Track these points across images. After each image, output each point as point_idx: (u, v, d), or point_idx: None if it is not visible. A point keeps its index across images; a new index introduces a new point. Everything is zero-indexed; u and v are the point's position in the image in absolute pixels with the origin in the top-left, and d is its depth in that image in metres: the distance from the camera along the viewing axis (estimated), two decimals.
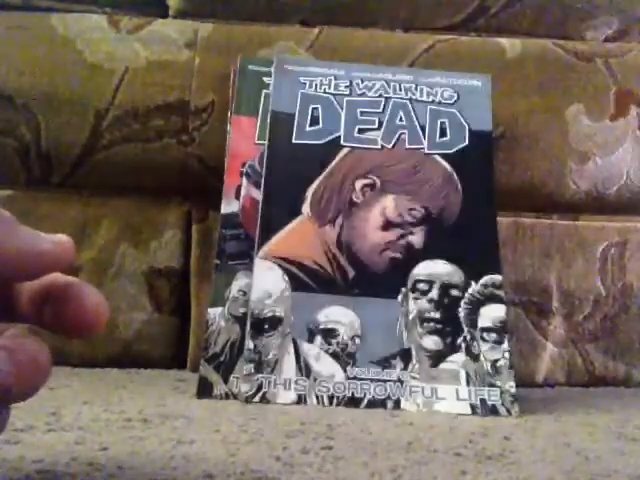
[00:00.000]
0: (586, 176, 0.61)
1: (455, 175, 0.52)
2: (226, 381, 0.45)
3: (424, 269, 0.49)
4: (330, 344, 0.46)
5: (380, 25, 0.67)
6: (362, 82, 0.55)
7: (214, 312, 0.48)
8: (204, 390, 0.45)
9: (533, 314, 0.59)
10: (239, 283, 0.49)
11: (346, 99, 0.54)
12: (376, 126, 0.54)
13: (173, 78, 0.60)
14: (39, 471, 0.26)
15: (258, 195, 0.50)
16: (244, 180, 0.52)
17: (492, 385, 0.45)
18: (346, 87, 0.55)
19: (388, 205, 0.51)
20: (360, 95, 0.55)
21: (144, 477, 0.26)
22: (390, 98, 0.55)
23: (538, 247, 0.60)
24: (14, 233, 0.21)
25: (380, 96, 0.55)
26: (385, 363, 0.45)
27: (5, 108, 0.58)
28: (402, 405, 0.44)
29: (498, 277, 0.49)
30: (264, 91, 0.55)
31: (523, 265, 0.59)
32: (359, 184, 0.51)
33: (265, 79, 0.56)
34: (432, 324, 0.47)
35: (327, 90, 0.54)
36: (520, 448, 0.34)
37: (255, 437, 0.33)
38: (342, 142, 0.53)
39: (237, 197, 0.52)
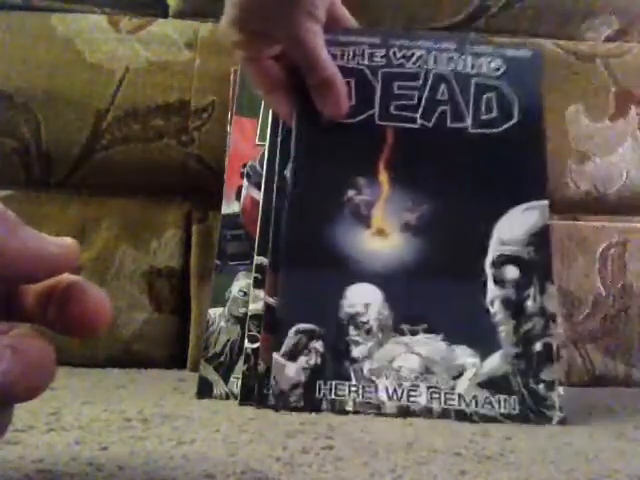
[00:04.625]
0: (586, 176, 0.61)
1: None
2: (226, 381, 0.45)
3: None
4: None
5: (380, 25, 0.67)
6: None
7: (214, 312, 0.48)
8: (204, 390, 0.45)
9: None
10: (240, 283, 0.49)
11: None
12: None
13: (173, 78, 0.60)
14: (39, 471, 0.26)
15: (258, 195, 0.50)
16: (245, 181, 0.52)
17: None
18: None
19: None
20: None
21: (144, 477, 0.26)
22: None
23: None
24: (19, 235, 0.21)
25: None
26: None
27: (5, 108, 0.59)
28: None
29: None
30: None
31: None
32: None
33: None
34: None
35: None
36: (520, 448, 0.34)
37: (255, 437, 0.33)
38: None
39: (238, 198, 0.52)
